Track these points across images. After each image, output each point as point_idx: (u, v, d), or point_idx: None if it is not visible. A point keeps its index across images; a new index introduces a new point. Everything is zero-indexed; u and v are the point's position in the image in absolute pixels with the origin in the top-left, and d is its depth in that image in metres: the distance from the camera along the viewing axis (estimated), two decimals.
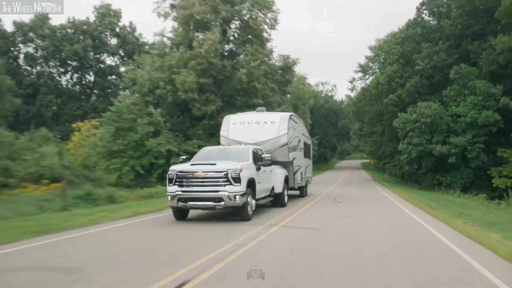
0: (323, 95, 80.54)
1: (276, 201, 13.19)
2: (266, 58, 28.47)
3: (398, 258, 6.32)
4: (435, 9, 30.74)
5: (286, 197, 13.85)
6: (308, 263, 5.97)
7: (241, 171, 9.65)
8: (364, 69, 41.01)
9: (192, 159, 11.45)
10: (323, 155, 75.99)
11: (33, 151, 21.35)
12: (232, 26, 29.54)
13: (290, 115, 15.15)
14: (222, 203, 9.50)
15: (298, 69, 78.56)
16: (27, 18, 53.93)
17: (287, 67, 29.87)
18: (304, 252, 6.71)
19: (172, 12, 29.25)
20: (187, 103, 26.54)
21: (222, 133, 14.77)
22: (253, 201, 10.48)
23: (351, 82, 43.79)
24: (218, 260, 5.92)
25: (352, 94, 50.92)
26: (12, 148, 21.23)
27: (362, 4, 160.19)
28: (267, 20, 28.11)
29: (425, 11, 33.23)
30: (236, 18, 28.73)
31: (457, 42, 27.79)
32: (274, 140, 13.87)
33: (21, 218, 10.76)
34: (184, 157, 11.92)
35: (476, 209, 15.39)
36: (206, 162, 10.42)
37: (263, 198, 11.88)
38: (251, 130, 14.07)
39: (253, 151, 11.54)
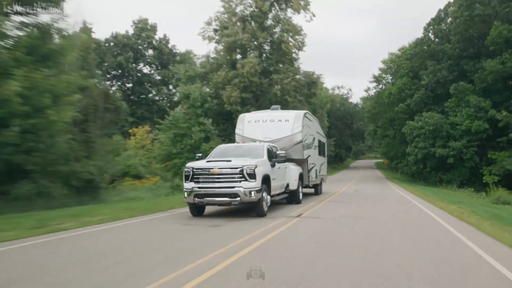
0: (339, 98, 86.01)
1: (291, 198, 13.77)
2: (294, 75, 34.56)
3: (395, 214, 12.36)
4: (438, 33, 36.46)
5: (301, 194, 14.44)
6: (348, 204, 12.04)
7: (256, 168, 10.12)
8: (377, 80, 46.92)
9: (208, 157, 11.99)
10: (339, 155, 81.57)
11: (117, 153, 27.72)
12: (266, 47, 35.66)
13: (305, 113, 15.60)
14: (238, 199, 10.01)
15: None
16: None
17: (312, 82, 35.91)
18: (345, 208, 12.77)
19: (215, 35, 35.47)
20: (230, 113, 32.75)
21: (237, 131, 15.25)
22: (268, 197, 10.95)
23: (366, 91, 49.86)
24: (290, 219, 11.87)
25: (367, 98, 56.96)
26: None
27: (373, 5, 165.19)
28: (296, 44, 34.20)
29: (431, 30, 39.06)
30: (269, 40, 34.85)
31: (456, 61, 33.57)
32: (289, 137, 14.30)
33: (160, 198, 17.10)
34: (199, 154, 12.51)
35: (459, 197, 21.25)
36: (222, 159, 10.96)
37: (278, 194, 12.42)
38: (266, 128, 14.50)
39: (268, 148, 12.01)
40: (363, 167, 72.47)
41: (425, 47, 37.72)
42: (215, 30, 35.59)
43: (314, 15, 34.72)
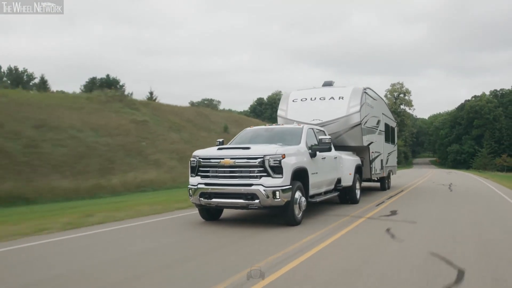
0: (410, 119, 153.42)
1: (344, 196, 11.95)
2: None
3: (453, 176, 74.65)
4: (461, 115, 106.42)
5: (358, 192, 12.55)
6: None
7: (283, 158, 7.96)
8: (436, 127, 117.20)
9: (229, 143, 10.25)
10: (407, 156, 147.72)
11: None
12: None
13: (364, 89, 13.54)
14: (256, 201, 7.92)
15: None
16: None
17: (413, 131, 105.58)
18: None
19: None
20: None
21: (279, 112, 13.73)
22: (303, 199, 8.66)
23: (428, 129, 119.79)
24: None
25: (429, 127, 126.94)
26: None
27: (428, 10, 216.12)
28: (409, 121, 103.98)
29: (460, 108, 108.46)
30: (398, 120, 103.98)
31: (466, 127, 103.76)
32: (344, 119, 12.46)
33: None
34: (221, 139, 10.17)
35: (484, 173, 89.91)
36: (239, 145, 9.11)
37: (325, 193, 10.46)
38: (315, 107, 12.90)
39: (308, 132, 9.98)
40: (424, 164, 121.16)
41: (453, 117, 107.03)
42: None
43: (415, 108, 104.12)
